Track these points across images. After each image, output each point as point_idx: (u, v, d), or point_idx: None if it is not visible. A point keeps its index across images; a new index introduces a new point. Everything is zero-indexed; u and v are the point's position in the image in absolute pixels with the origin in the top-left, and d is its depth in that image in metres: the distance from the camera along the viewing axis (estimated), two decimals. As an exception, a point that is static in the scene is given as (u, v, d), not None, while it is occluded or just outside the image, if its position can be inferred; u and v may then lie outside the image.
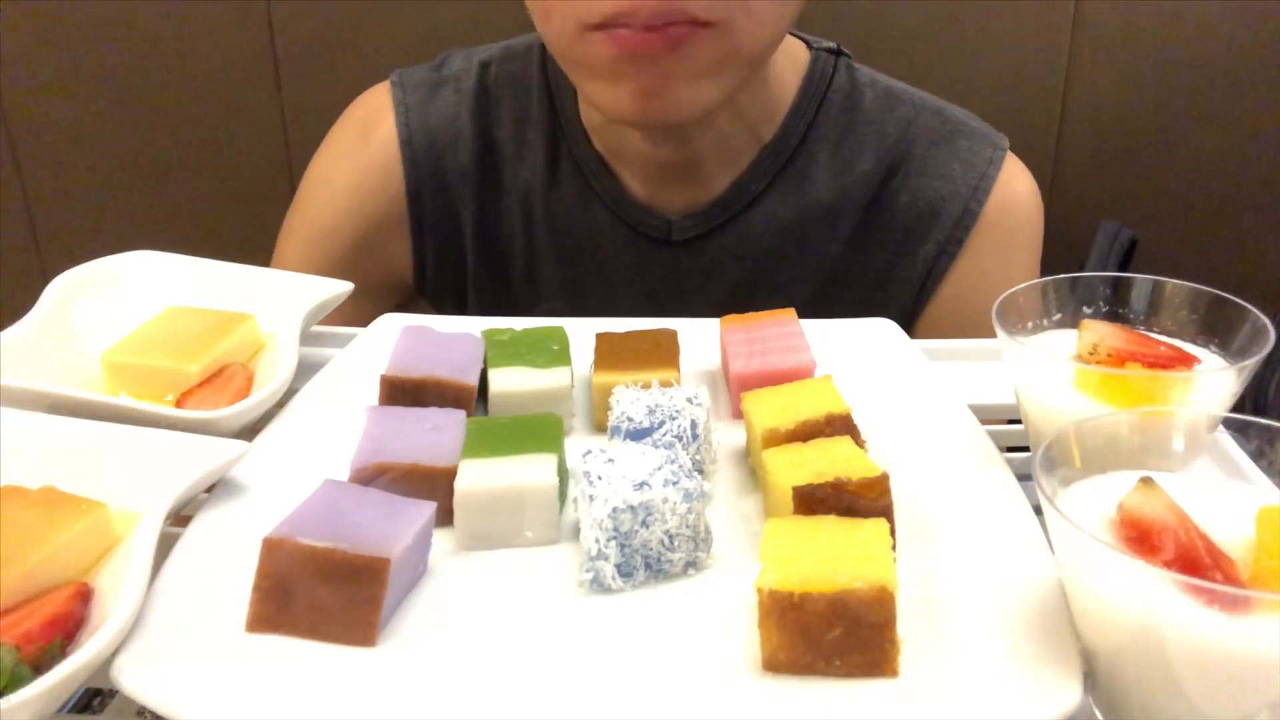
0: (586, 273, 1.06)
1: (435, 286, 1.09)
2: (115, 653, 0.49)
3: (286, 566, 0.52)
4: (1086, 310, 0.66)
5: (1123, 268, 1.69)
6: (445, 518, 0.59)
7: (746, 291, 1.04)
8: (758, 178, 1.01)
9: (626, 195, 1.02)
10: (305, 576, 0.52)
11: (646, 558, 0.56)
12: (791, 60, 1.02)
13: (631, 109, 0.85)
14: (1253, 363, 0.58)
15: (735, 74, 0.86)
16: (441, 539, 0.59)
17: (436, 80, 1.06)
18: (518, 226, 1.06)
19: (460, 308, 1.10)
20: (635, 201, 1.02)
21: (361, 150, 1.05)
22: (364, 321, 1.04)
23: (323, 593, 0.51)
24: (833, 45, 1.05)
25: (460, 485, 0.59)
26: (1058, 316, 0.67)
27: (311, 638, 0.52)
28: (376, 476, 0.60)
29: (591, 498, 0.56)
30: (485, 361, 0.72)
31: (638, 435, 0.64)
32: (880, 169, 1.02)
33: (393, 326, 0.79)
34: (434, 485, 0.60)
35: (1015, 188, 1.02)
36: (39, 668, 0.47)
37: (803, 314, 0.77)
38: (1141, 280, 0.66)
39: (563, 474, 0.62)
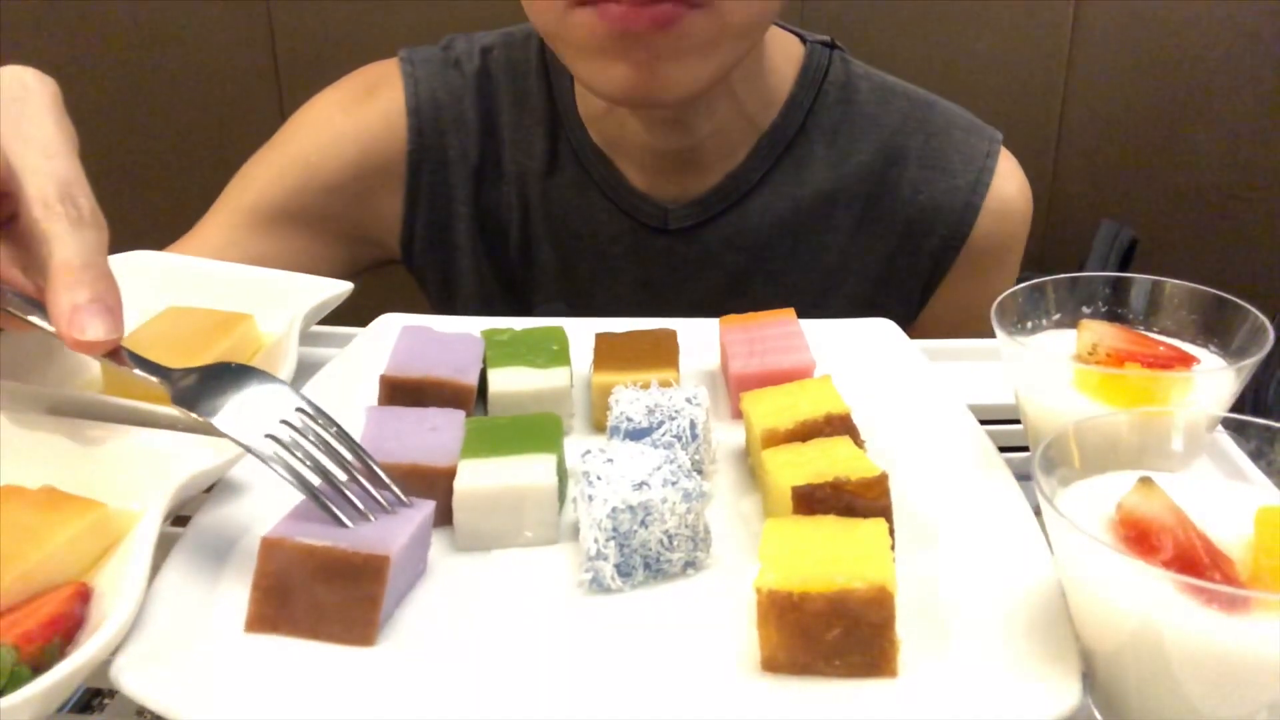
0: (582, 259, 1.06)
1: (421, 261, 1.09)
2: (115, 653, 0.49)
3: (285, 566, 0.52)
4: (1086, 310, 0.66)
5: (1123, 268, 1.69)
6: (445, 518, 0.59)
7: (743, 282, 1.04)
8: (755, 167, 1.01)
9: (624, 183, 1.02)
10: (304, 576, 0.52)
11: (646, 558, 0.56)
12: (787, 52, 1.03)
13: (623, 89, 0.85)
14: (1252, 363, 0.58)
15: (726, 52, 0.86)
16: (441, 539, 0.59)
17: (444, 60, 1.06)
18: (514, 211, 1.06)
19: (445, 286, 1.10)
20: (633, 190, 1.02)
21: (368, 103, 1.05)
22: (334, 264, 1.04)
23: (322, 592, 0.51)
24: (826, 39, 1.05)
25: (460, 485, 0.59)
26: (1057, 316, 0.67)
27: (311, 637, 0.52)
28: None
29: (591, 498, 0.56)
30: (485, 361, 0.72)
31: (637, 435, 0.64)
32: (878, 161, 1.02)
33: (392, 327, 0.79)
34: (434, 485, 0.60)
35: (1012, 181, 1.03)
36: (38, 668, 0.47)
37: (804, 308, 0.77)
38: (1141, 280, 0.66)
39: (562, 474, 0.62)
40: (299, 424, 0.57)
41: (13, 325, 0.60)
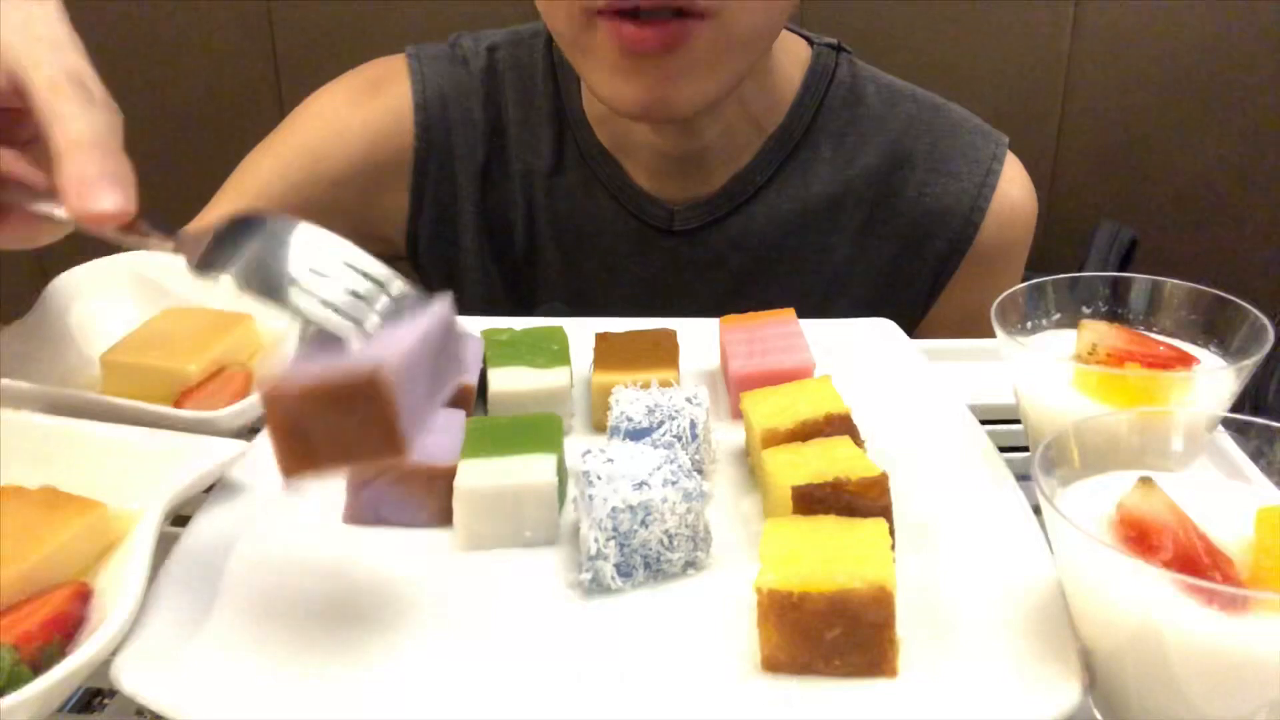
0: (587, 259, 1.06)
1: (426, 258, 1.08)
2: (115, 652, 0.49)
3: (292, 412, 0.49)
4: (1086, 310, 0.66)
5: (1123, 268, 1.69)
6: (445, 517, 0.59)
7: (748, 283, 1.04)
8: (761, 169, 1.01)
9: (630, 184, 1.02)
10: (313, 415, 0.49)
11: (646, 557, 0.56)
12: (793, 55, 1.03)
13: (636, 106, 0.86)
14: (1252, 363, 0.58)
15: (734, 64, 0.87)
16: (442, 539, 0.59)
17: (451, 57, 1.06)
18: (520, 210, 1.06)
19: (449, 284, 1.09)
20: (639, 190, 1.02)
21: (375, 98, 1.04)
22: None
23: (338, 422, 0.49)
24: (833, 41, 1.05)
25: (460, 485, 0.59)
26: (1057, 316, 0.67)
27: (347, 463, 0.51)
28: (376, 476, 0.60)
29: (591, 497, 0.56)
30: (485, 361, 0.72)
31: (637, 435, 0.64)
32: (884, 164, 1.02)
33: (392, 326, 0.79)
34: (434, 485, 0.60)
35: (1017, 185, 1.03)
36: (38, 668, 0.47)
37: (809, 311, 0.77)
38: (1141, 280, 0.66)
39: (562, 474, 0.62)
40: (316, 264, 0.53)
41: (35, 233, 0.57)
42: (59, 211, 0.53)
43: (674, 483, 0.57)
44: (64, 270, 0.77)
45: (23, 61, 0.53)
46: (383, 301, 0.52)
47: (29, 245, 0.59)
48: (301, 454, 0.50)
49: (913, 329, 0.97)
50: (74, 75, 0.53)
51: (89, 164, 0.51)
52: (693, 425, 0.64)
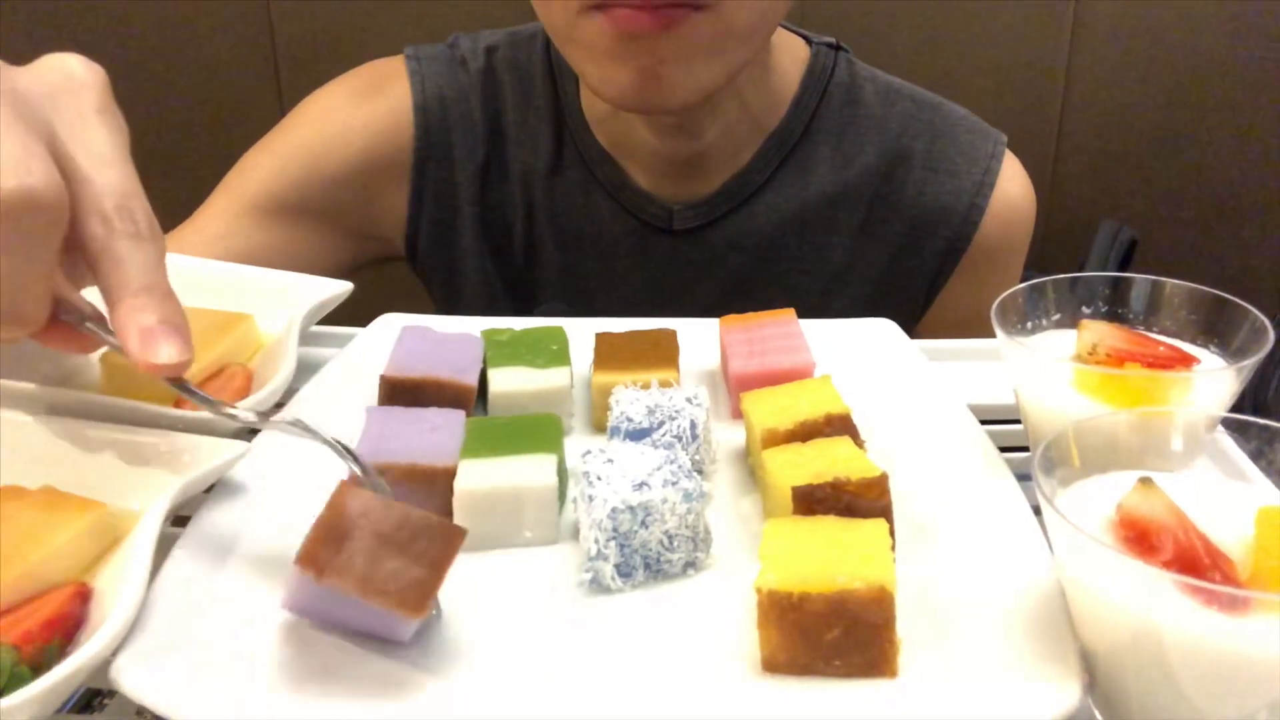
0: (586, 260, 1.06)
1: (426, 259, 1.09)
2: (115, 653, 0.49)
3: (356, 512, 0.50)
4: (1086, 310, 0.66)
5: (1123, 268, 1.69)
6: (445, 518, 0.59)
7: (748, 283, 1.04)
8: (760, 168, 1.02)
9: (629, 184, 1.02)
10: (370, 527, 0.50)
11: (646, 558, 0.56)
12: (792, 53, 1.03)
13: (628, 93, 0.85)
14: (1252, 363, 0.58)
15: (731, 55, 0.86)
16: (441, 539, 0.59)
17: (450, 58, 1.06)
18: (519, 211, 1.06)
19: (449, 285, 1.10)
20: (638, 190, 1.02)
21: (375, 98, 1.04)
22: (336, 259, 1.04)
23: (383, 549, 0.50)
24: (832, 40, 1.05)
25: (460, 485, 0.59)
26: (1057, 316, 0.67)
27: (358, 594, 0.49)
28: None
29: (591, 498, 0.56)
30: (485, 361, 0.72)
31: (637, 435, 0.64)
32: (883, 163, 1.02)
33: (392, 327, 0.79)
34: (434, 485, 0.60)
35: (1016, 183, 1.04)
36: (38, 668, 0.47)
37: (809, 310, 0.77)
38: (1141, 280, 0.66)
39: (562, 474, 0.62)
40: None
41: (85, 346, 0.58)
42: (111, 338, 0.55)
43: (674, 483, 0.57)
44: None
45: (70, 175, 0.52)
46: None
47: (81, 352, 0.61)
48: (328, 556, 0.50)
49: (912, 328, 0.97)
50: (122, 201, 0.53)
51: (147, 312, 0.52)
52: (693, 425, 0.64)
